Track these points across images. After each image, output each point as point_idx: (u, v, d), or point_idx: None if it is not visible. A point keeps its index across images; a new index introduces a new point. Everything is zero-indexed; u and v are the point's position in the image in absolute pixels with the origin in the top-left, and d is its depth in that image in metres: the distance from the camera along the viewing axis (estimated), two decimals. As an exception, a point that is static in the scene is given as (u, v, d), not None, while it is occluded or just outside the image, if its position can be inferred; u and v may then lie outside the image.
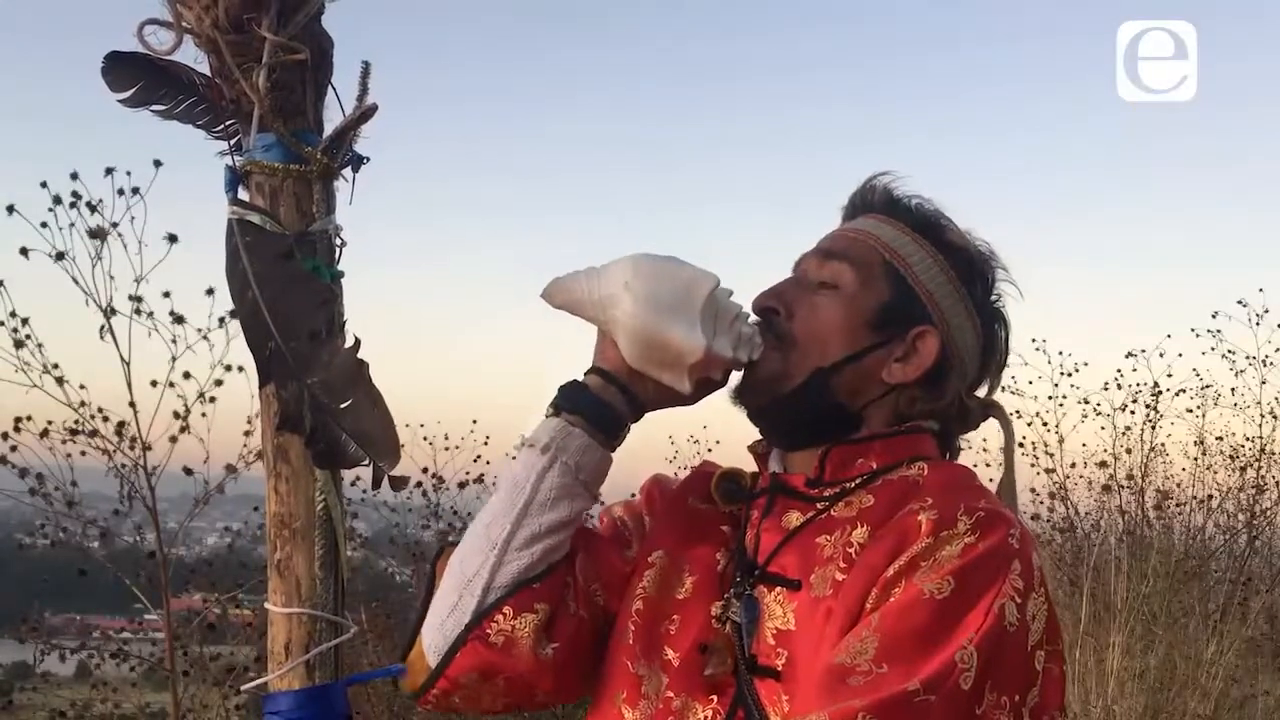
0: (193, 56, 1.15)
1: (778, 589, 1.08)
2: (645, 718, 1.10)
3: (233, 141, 1.19)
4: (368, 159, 1.19)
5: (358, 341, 1.18)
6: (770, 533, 1.12)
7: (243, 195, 1.18)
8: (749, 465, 1.23)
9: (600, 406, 1.13)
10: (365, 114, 1.17)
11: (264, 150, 1.16)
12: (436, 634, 1.14)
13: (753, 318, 1.15)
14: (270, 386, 1.20)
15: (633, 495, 1.32)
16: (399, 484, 1.21)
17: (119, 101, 1.15)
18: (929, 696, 0.93)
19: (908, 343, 1.14)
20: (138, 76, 1.16)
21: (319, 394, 1.17)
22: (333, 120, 1.19)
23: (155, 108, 1.18)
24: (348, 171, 1.20)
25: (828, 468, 1.12)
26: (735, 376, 1.17)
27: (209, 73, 1.16)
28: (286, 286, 1.17)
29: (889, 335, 1.13)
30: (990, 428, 1.22)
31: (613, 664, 1.15)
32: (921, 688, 0.93)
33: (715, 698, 1.07)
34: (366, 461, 1.19)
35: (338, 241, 1.21)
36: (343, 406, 1.17)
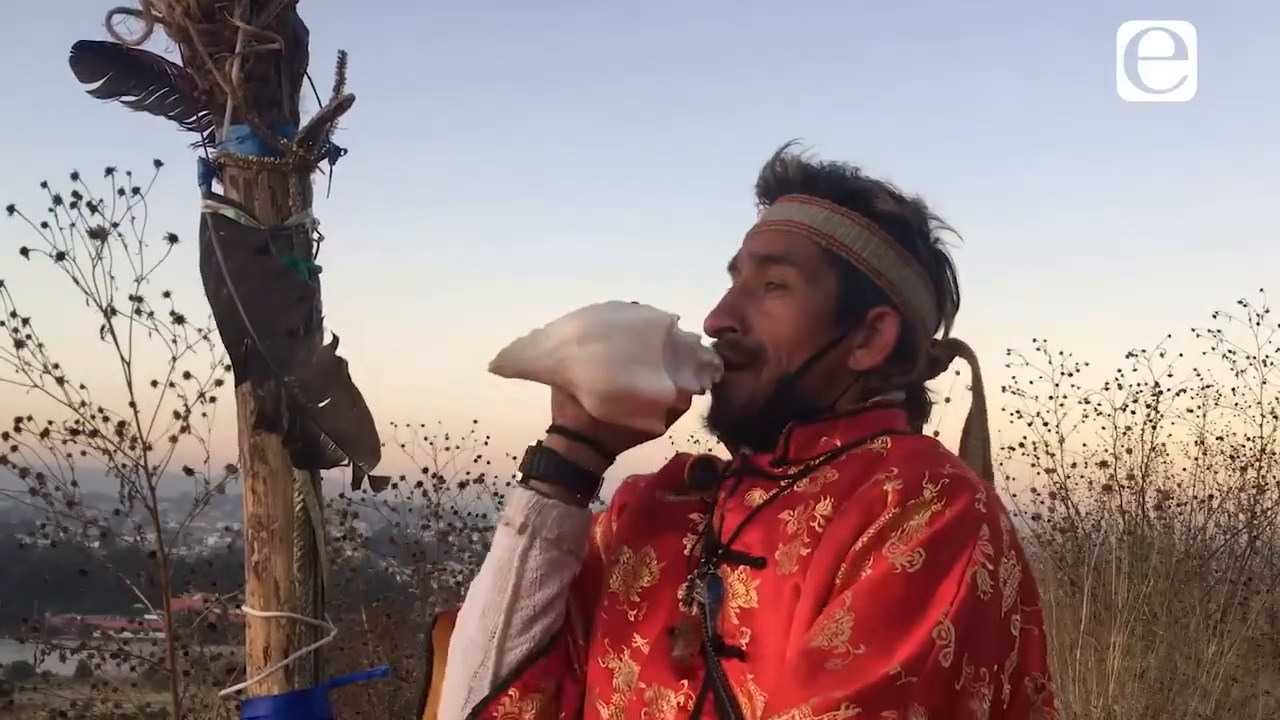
0: (163, 46, 1.12)
1: (741, 567, 1.06)
2: (619, 710, 1.08)
3: (206, 133, 1.17)
4: (345, 151, 1.16)
5: (336, 339, 1.15)
6: (734, 512, 1.11)
7: (216, 188, 1.16)
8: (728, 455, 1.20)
9: (570, 468, 1.10)
10: (342, 105, 1.14)
11: (238, 142, 1.13)
12: None
13: (705, 340, 1.12)
14: (246, 385, 1.17)
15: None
16: (379, 484, 1.18)
17: (88, 92, 1.13)
18: (910, 678, 0.91)
19: (867, 327, 1.11)
20: (107, 66, 1.13)
21: (297, 393, 1.14)
22: (309, 111, 1.16)
23: (125, 98, 1.15)
24: (324, 164, 1.17)
25: (791, 446, 1.10)
26: (701, 400, 1.13)
27: (180, 62, 1.13)
28: (262, 283, 1.14)
29: (848, 325, 1.11)
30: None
31: (590, 668, 1.13)
32: (903, 670, 0.91)
33: (686, 682, 1.05)
34: (346, 461, 1.17)
35: (315, 236, 1.18)
36: (321, 405, 1.15)
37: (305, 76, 1.15)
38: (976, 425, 1.18)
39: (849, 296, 1.11)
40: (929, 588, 0.95)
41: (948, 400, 1.22)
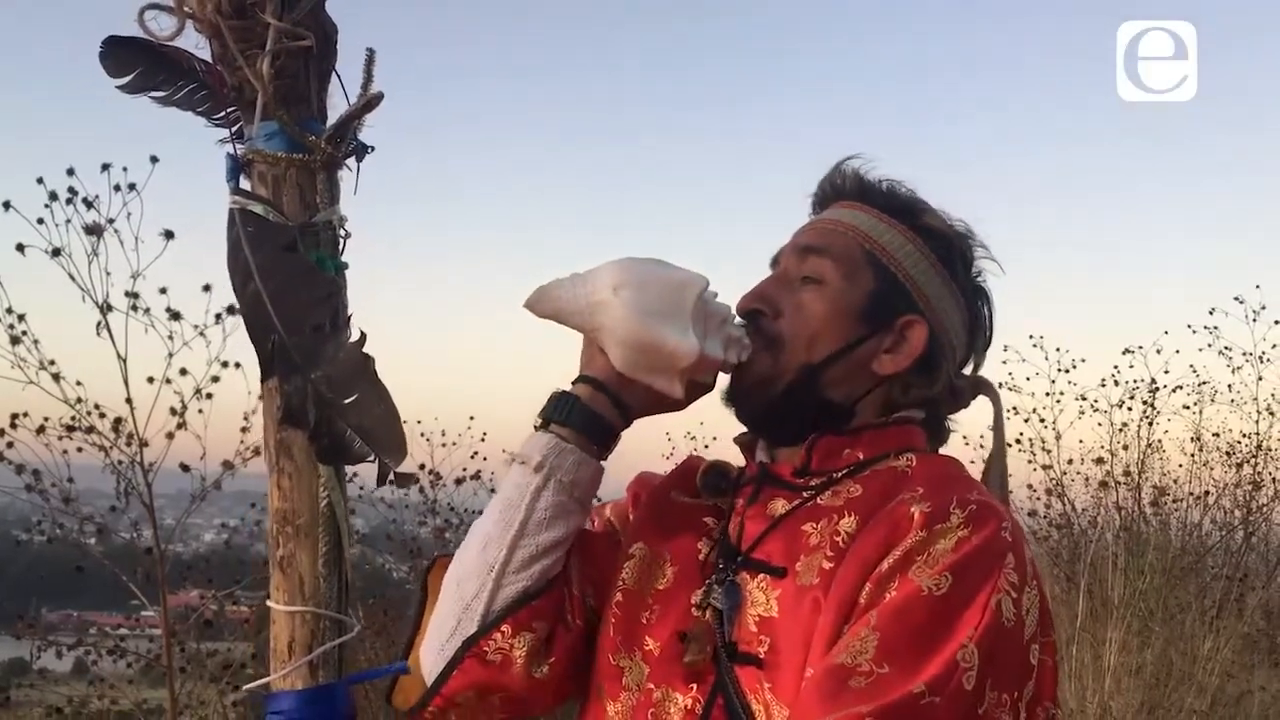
0: (194, 42, 1.12)
1: (761, 576, 1.06)
2: (626, 710, 1.09)
3: (234, 129, 1.17)
4: (372, 148, 1.17)
5: (363, 336, 1.15)
6: (755, 520, 1.11)
7: (244, 185, 1.16)
8: (740, 461, 1.22)
9: (592, 417, 1.11)
10: (370, 103, 1.14)
11: (266, 139, 1.13)
12: (436, 657, 1.12)
13: (738, 319, 1.14)
14: (273, 381, 1.17)
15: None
16: (405, 481, 1.18)
17: (117, 87, 1.13)
18: (934, 698, 0.92)
19: (896, 332, 1.13)
20: (136, 62, 1.13)
21: (323, 389, 1.15)
22: (336, 108, 1.16)
23: (154, 94, 1.15)
24: (352, 161, 1.17)
25: (815, 457, 1.12)
26: (723, 379, 1.15)
27: (210, 59, 1.13)
28: (290, 279, 1.14)
29: (876, 326, 1.13)
30: (979, 412, 1.22)
31: (597, 659, 1.14)
32: (926, 689, 0.92)
33: (695, 686, 1.06)
34: (371, 458, 1.17)
35: (342, 233, 1.18)
36: (347, 402, 1.15)
37: (334, 73, 1.16)
38: (996, 463, 1.20)
39: (882, 299, 1.13)
40: (954, 612, 0.96)
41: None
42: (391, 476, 1.18)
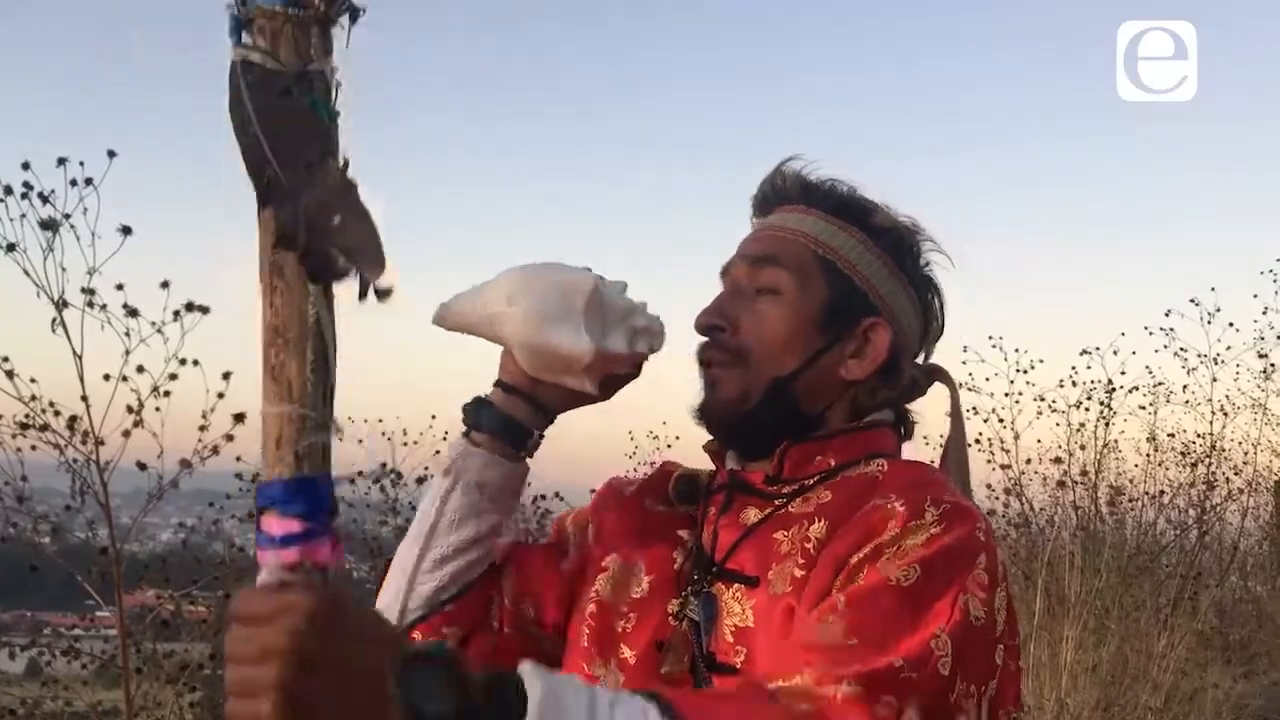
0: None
1: (736, 586, 1.07)
2: None
3: (236, -10, 1.33)
4: (364, 10, 1.34)
5: (347, 161, 1.32)
6: (728, 530, 1.12)
7: (245, 41, 1.33)
8: (708, 464, 1.23)
9: (503, 420, 1.14)
10: (362, -36, 1.31)
11: (266, -4, 1.30)
12: None
13: (650, 309, 1.15)
14: (267, 211, 1.33)
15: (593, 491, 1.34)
16: (385, 294, 1.34)
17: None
18: (912, 674, 0.92)
19: (859, 337, 1.13)
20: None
21: (313, 213, 1.31)
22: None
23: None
24: (345, 20, 1.34)
25: (786, 465, 1.12)
26: (695, 394, 1.17)
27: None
28: (285, 120, 1.31)
29: (839, 333, 1.13)
30: (939, 405, 1.23)
31: (568, 670, 1.14)
32: (905, 664, 0.92)
33: None
34: (354, 272, 1.32)
35: (335, 82, 1.35)
36: (333, 223, 1.31)
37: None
38: (955, 450, 1.20)
39: (841, 304, 1.13)
40: (924, 603, 0.96)
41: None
42: (372, 289, 1.33)
